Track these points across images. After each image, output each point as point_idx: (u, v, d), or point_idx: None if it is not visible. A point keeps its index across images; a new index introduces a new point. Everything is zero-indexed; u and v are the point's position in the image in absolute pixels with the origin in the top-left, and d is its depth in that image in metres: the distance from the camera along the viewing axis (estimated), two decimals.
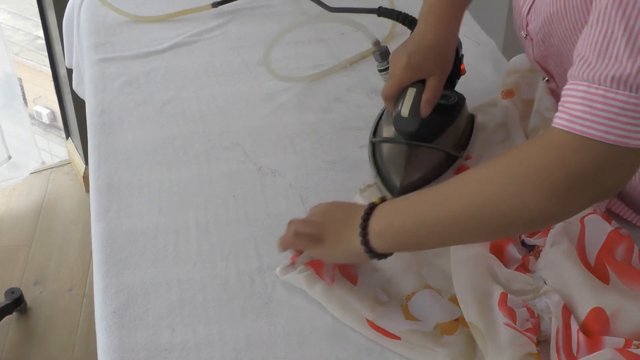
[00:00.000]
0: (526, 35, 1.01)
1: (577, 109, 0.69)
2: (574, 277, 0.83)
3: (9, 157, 2.50)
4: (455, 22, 1.04)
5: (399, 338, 0.82)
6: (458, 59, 1.08)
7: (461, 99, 1.08)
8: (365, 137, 1.10)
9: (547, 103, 1.08)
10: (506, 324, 0.78)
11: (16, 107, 2.56)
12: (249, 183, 1.04)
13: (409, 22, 1.15)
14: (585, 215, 0.90)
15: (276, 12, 1.44)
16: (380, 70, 1.12)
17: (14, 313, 2.06)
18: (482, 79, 1.24)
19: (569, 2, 0.87)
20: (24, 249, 2.27)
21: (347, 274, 0.88)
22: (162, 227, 0.97)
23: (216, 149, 1.10)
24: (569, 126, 0.69)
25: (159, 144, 1.11)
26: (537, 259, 0.88)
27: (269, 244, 0.94)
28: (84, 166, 2.44)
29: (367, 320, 0.83)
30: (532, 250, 0.90)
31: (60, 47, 2.01)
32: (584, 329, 0.80)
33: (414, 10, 1.11)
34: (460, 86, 1.11)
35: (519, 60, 1.19)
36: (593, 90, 0.68)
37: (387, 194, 1.00)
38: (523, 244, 0.91)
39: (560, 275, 0.84)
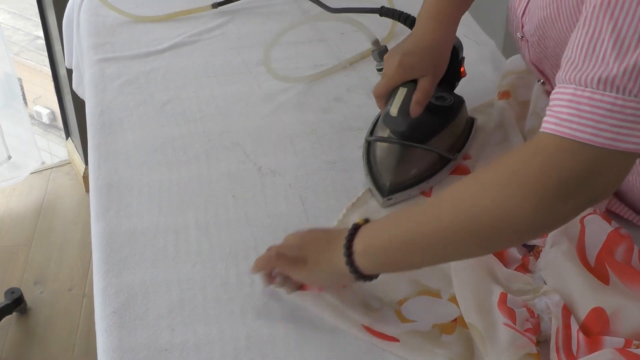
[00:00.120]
0: (522, 36, 1.01)
1: (564, 112, 0.67)
2: (574, 278, 0.83)
3: (9, 157, 2.50)
4: (452, 23, 1.03)
5: (398, 340, 0.81)
6: (458, 61, 1.08)
7: (459, 101, 1.07)
8: None
9: (543, 104, 1.08)
10: (506, 324, 0.78)
11: (16, 107, 2.56)
12: (249, 183, 1.04)
13: (410, 22, 1.15)
14: (585, 216, 0.90)
15: (276, 12, 1.44)
16: (378, 70, 1.12)
17: (14, 313, 2.06)
18: (482, 79, 1.24)
19: (561, 5, 0.87)
20: (24, 249, 2.27)
21: None
22: (162, 227, 0.97)
23: (216, 149, 1.10)
24: (557, 129, 0.67)
25: (159, 144, 1.11)
26: (537, 259, 0.88)
27: (269, 244, 0.94)
28: (84, 166, 2.44)
29: (363, 325, 0.83)
30: (532, 250, 0.90)
31: (60, 47, 2.01)
32: (584, 329, 0.80)
33: (413, 11, 1.11)
34: (460, 86, 1.11)
35: (516, 61, 1.19)
36: (580, 93, 0.67)
37: (377, 194, 1.00)
38: (523, 244, 0.91)
39: (560, 275, 0.84)
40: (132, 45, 1.33)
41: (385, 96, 1.01)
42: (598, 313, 0.80)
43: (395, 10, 1.18)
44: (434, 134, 1.02)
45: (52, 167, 2.60)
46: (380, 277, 0.82)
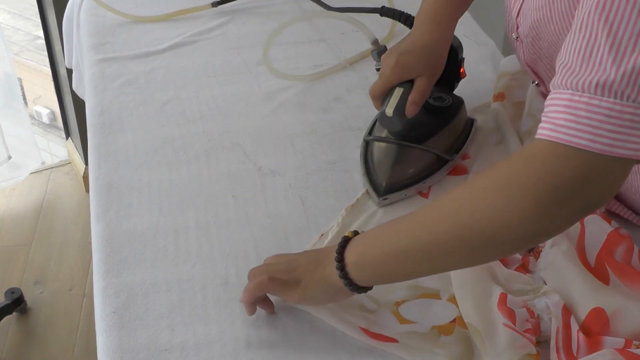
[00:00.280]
0: (517, 37, 1.01)
1: (561, 118, 0.66)
2: (574, 278, 0.83)
3: (9, 157, 2.50)
4: (450, 24, 1.03)
5: (397, 341, 0.81)
6: (458, 62, 1.08)
7: (458, 102, 1.07)
8: None
9: (538, 105, 1.08)
10: (505, 325, 0.78)
11: (16, 107, 2.56)
12: (249, 183, 1.04)
13: (411, 22, 1.15)
14: None
15: (276, 12, 1.44)
16: (378, 70, 1.12)
17: (14, 313, 2.06)
18: (482, 79, 1.24)
19: (554, 8, 0.86)
20: (24, 249, 2.27)
21: None
22: (162, 227, 0.97)
23: (216, 149, 1.10)
24: (553, 135, 0.67)
25: (159, 144, 1.11)
26: (537, 259, 0.88)
27: (268, 244, 0.94)
28: (84, 166, 2.44)
29: (361, 328, 0.83)
30: (532, 250, 0.90)
31: (60, 47, 2.01)
32: (584, 329, 0.80)
33: (413, 11, 1.11)
34: (460, 86, 1.11)
35: (510, 62, 1.19)
36: (577, 98, 0.66)
37: (373, 193, 1.00)
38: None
39: (560, 275, 0.84)
40: (132, 45, 1.33)
41: (381, 96, 1.00)
42: (598, 313, 0.80)
43: (396, 10, 1.18)
44: (431, 135, 1.02)
45: (52, 167, 2.60)
46: None
